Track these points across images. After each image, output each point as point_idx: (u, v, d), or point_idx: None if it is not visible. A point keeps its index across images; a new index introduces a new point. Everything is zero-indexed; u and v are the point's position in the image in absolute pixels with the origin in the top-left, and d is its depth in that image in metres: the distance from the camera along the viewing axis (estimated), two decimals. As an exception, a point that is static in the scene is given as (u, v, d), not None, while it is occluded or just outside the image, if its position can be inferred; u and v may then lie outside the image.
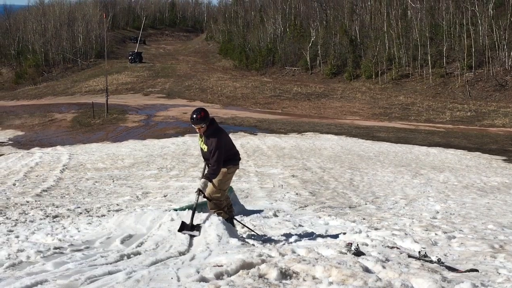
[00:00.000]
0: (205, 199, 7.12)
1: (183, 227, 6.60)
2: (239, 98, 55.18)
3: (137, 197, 12.92)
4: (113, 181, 15.77)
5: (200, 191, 6.81)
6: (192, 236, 6.50)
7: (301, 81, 66.55)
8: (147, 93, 59.57)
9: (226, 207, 7.32)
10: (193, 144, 26.43)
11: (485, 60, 54.60)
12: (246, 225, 8.08)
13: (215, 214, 7.01)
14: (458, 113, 45.13)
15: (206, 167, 7.15)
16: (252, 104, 52.08)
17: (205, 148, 7.02)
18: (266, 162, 20.05)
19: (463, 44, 55.44)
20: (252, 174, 16.87)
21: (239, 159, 7.30)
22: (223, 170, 7.00)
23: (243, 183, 14.89)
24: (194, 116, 6.85)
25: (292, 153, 23.03)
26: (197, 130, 7.00)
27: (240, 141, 27.40)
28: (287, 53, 72.99)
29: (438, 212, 10.95)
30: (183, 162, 20.13)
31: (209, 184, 7.00)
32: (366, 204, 12.09)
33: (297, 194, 13.17)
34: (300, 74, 70.10)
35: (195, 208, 6.80)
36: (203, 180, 6.89)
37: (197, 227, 6.59)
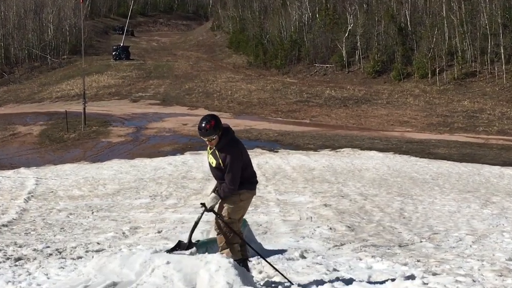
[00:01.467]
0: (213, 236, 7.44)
1: (178, 246, 7.24)
2: (255, 104, 55.59)
3: (124, 233, 12.98)
4: (93, 213, 15.93)
5: (205, 207, 7.10)
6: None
7: (335, 82, 66.83)
8: (136, 99, 60.13)
9: (239, 244, 7.43)
10: (195, 165, 26.50)
11: None
12: (272, 265, 7.92)
13: (224, 254, 7.09)
14: (541, 123, 44.83)
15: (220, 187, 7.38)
16: (272, 112, 52.41)
17: (213, 162, 7.23)
18: (291, 188, 20.11)
19: (546, 32, 55.18)
20: (273, 203, 16.95)
21: (256, 182, 7.46)
22: (234, 196, 7.19)
23: (261, 215, 14.90)
24: (203, 125, 7.05)
25: (324, 176, 23.15)
26: (207, 142, 7.19)
27: (256, 160, 27.43)
28: (317, 46, 73.23)
29: (516, 252, 10.92)
30: (182, 188, 20.23)
31: (220, 205, 7.24)
32: (421, 241, 12.04)
33: (331, 229, 13.26)
34: (333, 73, 70.54)
35: (196, 223, 7.31)
36: (213, 194, 7.17)
37: (194, 245, 7.25)
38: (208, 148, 7.28)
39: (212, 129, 7.03)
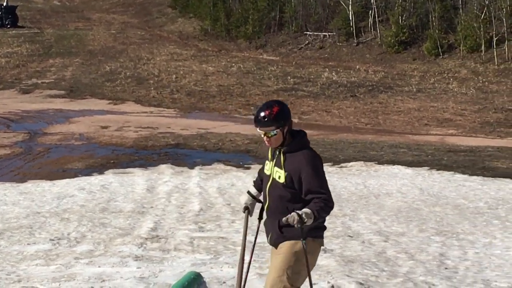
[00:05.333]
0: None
1: None
2: (213, 95, 50.41)
3: (8, 300, 13.15)
4: (-43, 268, 16.07)
5: (300, 218, 5.95)
6: None
7: (338, 59, 61.92)
8: (29, 89, 54.81)
9: None
10: (121, 190, 23.47)
11: None
12: None
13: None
14: None
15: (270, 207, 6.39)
16: (239, 106, 47.01)
17: (280, 176, 6.14)
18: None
19: None
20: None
21: (325, 227, 7.01)
22: (296, 246, 6.21)
23: (224, 267, 13.34)
24: (261, 113, 6.20)
25: (320, 206, 20.73)
26: (264, 139, 6.28)
27: (216, 182, 25.35)
28: (309, 4, 66.27)
29: None
30: (102, 226, 17.87)
31: (278, 266, 6.24)
32: (471, 307, 11.44)
33: (333, 286, 11.77)
34: (335, 46, 64.53)
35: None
36: (307, 210, 6.04)
37: None
38: (269, 153, 6.35)
39: (273, 118, 6.07)
